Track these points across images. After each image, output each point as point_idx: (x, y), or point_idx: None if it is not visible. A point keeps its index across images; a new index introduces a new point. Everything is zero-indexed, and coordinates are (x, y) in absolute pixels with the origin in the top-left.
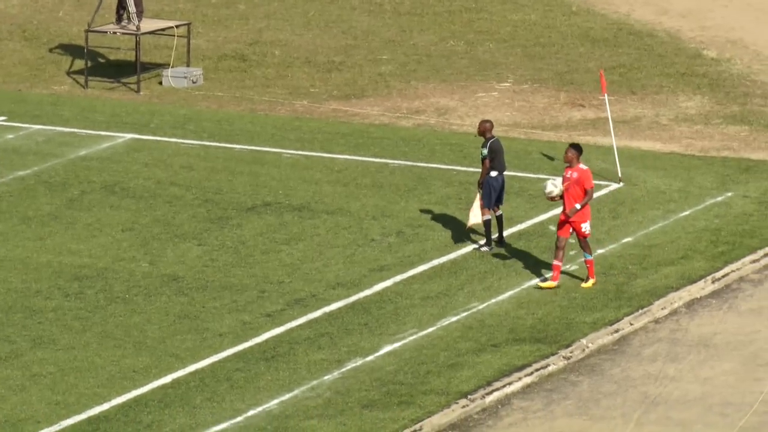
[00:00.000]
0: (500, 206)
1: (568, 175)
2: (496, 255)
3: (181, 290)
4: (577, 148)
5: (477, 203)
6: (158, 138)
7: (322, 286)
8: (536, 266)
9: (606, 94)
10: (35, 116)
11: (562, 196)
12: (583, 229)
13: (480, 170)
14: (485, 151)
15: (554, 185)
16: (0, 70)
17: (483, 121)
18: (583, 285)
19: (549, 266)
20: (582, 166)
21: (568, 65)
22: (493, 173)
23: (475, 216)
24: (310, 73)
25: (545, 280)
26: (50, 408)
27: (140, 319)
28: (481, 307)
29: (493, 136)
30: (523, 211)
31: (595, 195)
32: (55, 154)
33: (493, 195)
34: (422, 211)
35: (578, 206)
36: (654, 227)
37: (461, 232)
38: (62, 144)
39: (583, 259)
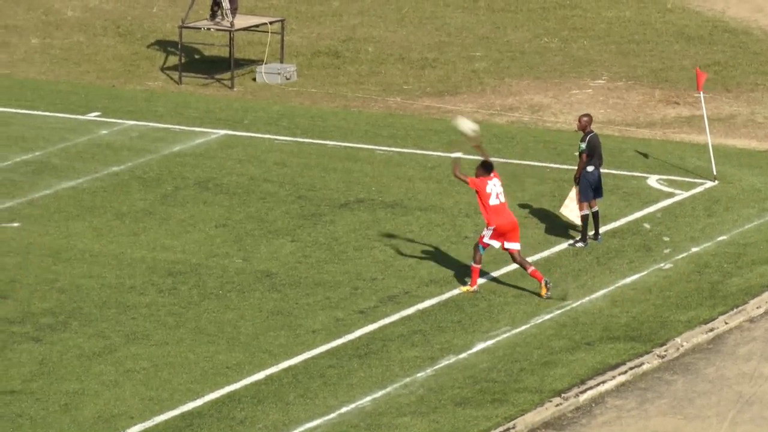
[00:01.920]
0: (598, 200)
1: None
2: (590, 252)
3: (274, 286)
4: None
5: (570, 199)
6: (252, 134)
7: (416, 283)
8: (631, 264)
9: (702, 92)
10: (129, 112)
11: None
12: (483, 232)
13: (576, 166)
14: (583, 146)
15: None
16: (94, 65)
17: (582, 116)
18: (462, 288)
19: (643, 265)
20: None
21: (662, 62)
22: (590, 168)
23: (569, 210)
24: (404, 69)
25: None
26: (143, 403)
27: (233, 315)
28: (574, 305)
29: (592, 131)
30: (617, 209)
31: (690, 192)
32: (148, 150)
33: (590, 189)
34: (516, 208)
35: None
36: (749, 225)
37: (555, 229)
38: (156, 140)
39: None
